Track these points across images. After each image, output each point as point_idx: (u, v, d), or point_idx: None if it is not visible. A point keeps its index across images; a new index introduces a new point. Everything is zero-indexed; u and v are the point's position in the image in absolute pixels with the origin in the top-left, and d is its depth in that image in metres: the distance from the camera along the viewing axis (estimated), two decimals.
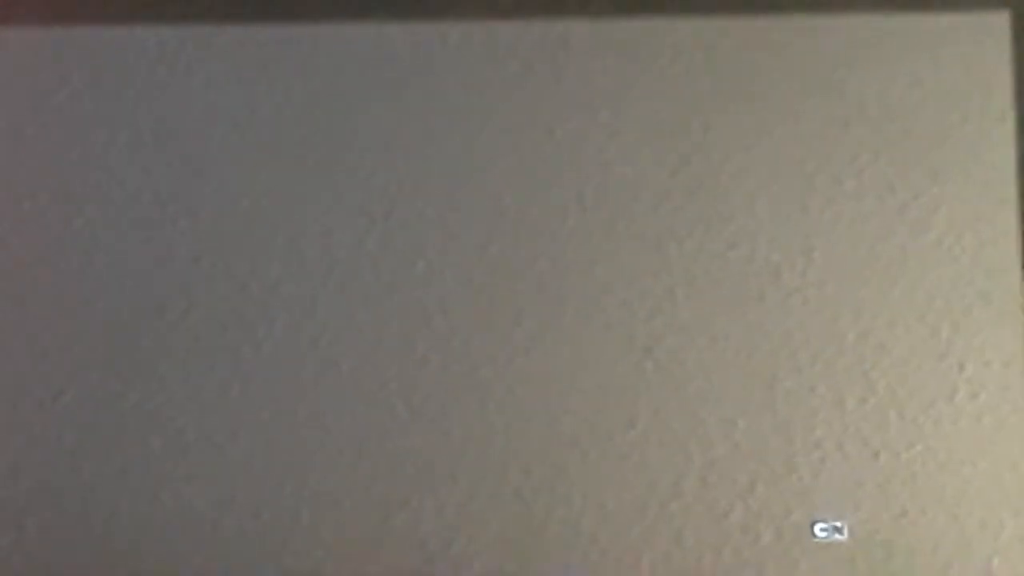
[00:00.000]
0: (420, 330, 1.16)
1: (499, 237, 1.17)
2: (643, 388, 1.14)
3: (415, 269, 1.16)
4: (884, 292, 1.15)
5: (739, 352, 1.14)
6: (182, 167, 1.19)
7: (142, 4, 1.22)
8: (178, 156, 1.19)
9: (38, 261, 1.18)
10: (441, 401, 1.15)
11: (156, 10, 1.22)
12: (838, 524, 1.12)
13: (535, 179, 1.17)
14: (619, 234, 1.16)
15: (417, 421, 1.14)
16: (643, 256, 1.16)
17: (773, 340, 1.14)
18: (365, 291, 1.16)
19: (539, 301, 1.16)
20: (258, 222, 1.18)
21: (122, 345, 1.17)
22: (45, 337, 1.17)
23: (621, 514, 1.13)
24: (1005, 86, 1.18)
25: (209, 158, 1.19)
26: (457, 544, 1.13)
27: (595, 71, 1.19)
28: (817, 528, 1.12)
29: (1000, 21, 1.19)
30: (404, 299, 1.16)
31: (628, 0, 1.20)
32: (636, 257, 1.16)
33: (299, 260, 1.17)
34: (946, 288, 1.15)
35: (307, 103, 1.19)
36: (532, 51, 1.20)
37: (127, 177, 1.19)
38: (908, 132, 1.17)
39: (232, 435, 1.15)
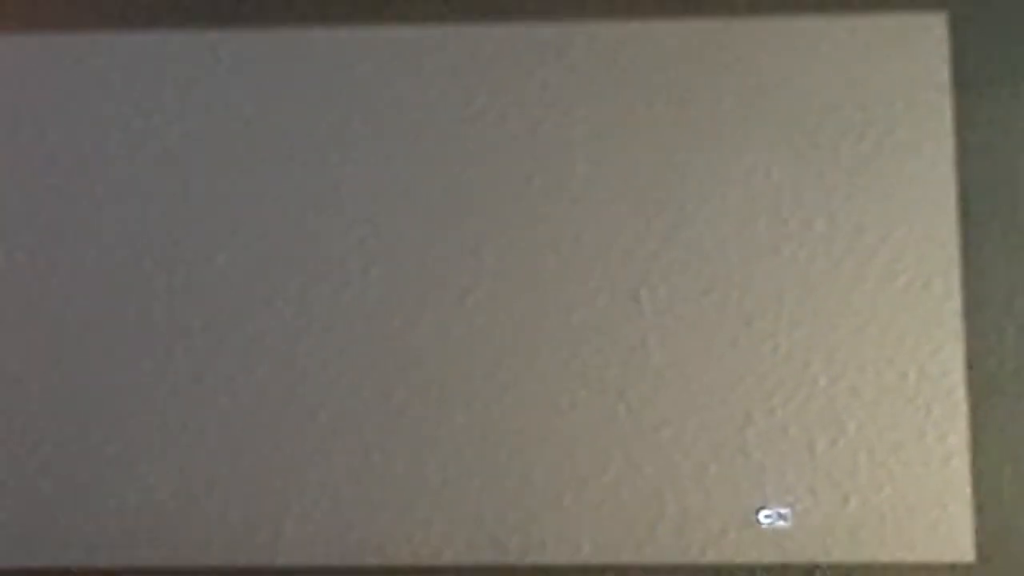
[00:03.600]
0: (395, 377, 1.16)
1: (475, 285, 1.17)
2: (616, 433, 1.15)
3: (392, 319, 1.17)
4: (854, 336, 1.16)
5: (711, 397, 1.15)
6: (183, 165, 1.20)
7: (135, 9, 1.22)
8: (179, 156, 1.20)
9: (25, 261, 1.19)
10: (415, 448, 1.15)
11: (149, 15, 1.22)
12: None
13: (511, 227, 1.18)
14: (593, 281, 1.17)
15: (391, 468, 1.15)
16: (616, 302, 1.17)
17: (745, 384, 1.15)
18: (342, 344, 1.17)
19: (514, 347, 1.16)
20: (241, 235, 1.19)
21: (122, 345, 1.18)
22: (26, 334, 1.18)
23: (594, 559, 1.14)
24: (943, 87, 1.18)
25: (209, 157, 1.20)
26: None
27: (575, 113, 1.19)
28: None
29: (938, 23, 1.19)
30: (380, 348, 1.17)
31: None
32: (609, 303, 1.17)
33: (276, 307, 1.18)
34: (916, 330, 1.16)
35: (303, 102, 1.20)
36: (500, 93, 1.20)
37: (113, 181, 1.20)
38: (861, 157, 1.18)
39: (210, 470, 1.16)
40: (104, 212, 1.20)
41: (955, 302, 1.16)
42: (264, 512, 1.16)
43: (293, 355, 1.17)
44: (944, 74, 1.18)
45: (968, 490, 1.14)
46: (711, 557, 1.14)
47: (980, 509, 1.14)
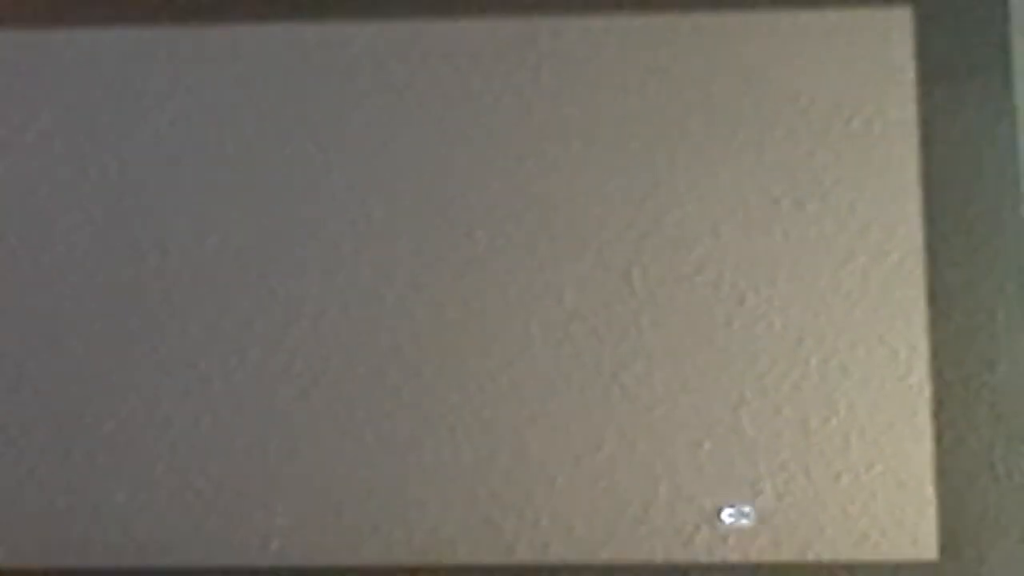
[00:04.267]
0: (390, 357, 1.17)
1: (468, 267, 1.18)
2: (610, 412, 1.16)
3: (385, 298, 1.17)
4: (846, 315, 1.16)
5: (705, 376, 1.16)
6: (168, 162, 1.20)
7: (121, 5, 1.22)
8: (162, 151, 1.20)
9: (17, 264, 1.19)
10: (410, 428, 1.16)
11: (137, 11, 1.22)
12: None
13: (503, 208, 1.18)
14: (586, 260, 1.17)
15: (386, 447, 1.16)
16: (610, 282, 1.17)
17: (739, 364, 1.16)
18: (335, 326, 1.17)
19: (508, 327, 1.17)
20: (232, 221, 1.19)
21: (109, 342, 1.18)
22: (19, 338, 1.18)
23: (589, 538, 1.14)
24: (907, 81, 1.19)
25: (194, 153, 1.20)
26: (425, 568, 1.15)
27: (565, 97, 1.20)
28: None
29: (903, 16, 1.20)
30: (374, 328, 1.17)
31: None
32: (603, 283, 1.17)
33: (270, 294, 1.18)
34: (907, 309, 1.16)
35: (290, 97, 1.20)
36: (495, 87, 1.20)
37: (110, 173, 1.20)
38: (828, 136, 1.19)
39: (202, 466, 1.16)
40: (91, 211, 1.20)
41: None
42: (256, 503, 1.16)
43: (284, 338, 1.17)
44: (908, 66, 1.19)
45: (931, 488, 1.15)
46: (704, 536, 1.14)
47: (943, 505, 1.15)
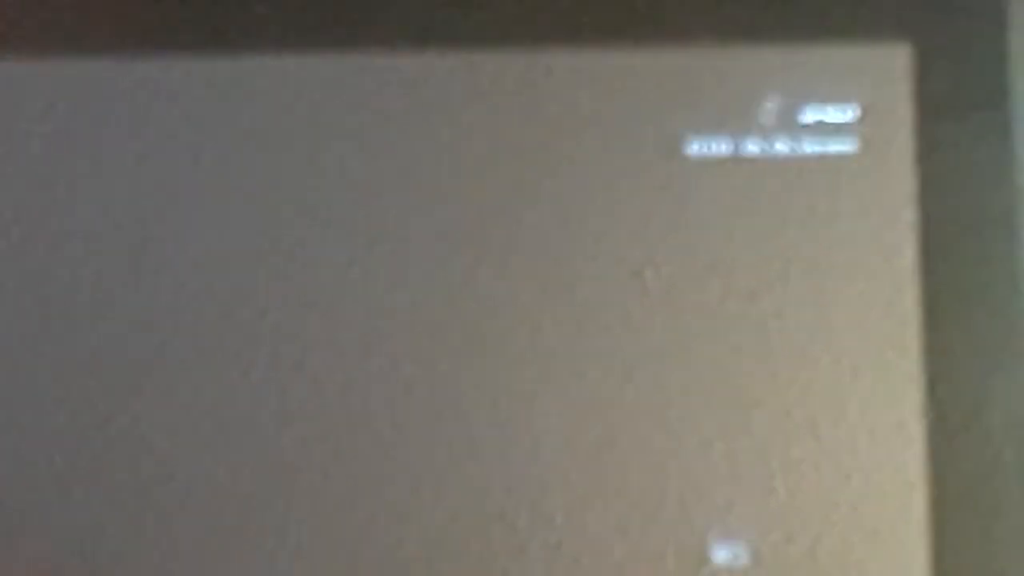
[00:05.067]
0: (404, 354, 1.17)
1: (481, 260, 1.18)
2: (621, 410, 1.16)
3: (398, 296, 1.18)
4: (857, 313, 1.17)
5: (716, 376, 1.16)
6: (167, 190, 1.20)
7: (119, 36, 1.22)
8: (164, 179, 1.20)
9: (22, 280, 1.19)
10: (424, 423, 1.16)
11: (135, 42, 1.22)
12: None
13: (515, 204, 1.19)
14: (599, 260, 1.18)
15: (400, 441, 1.16)
16: (622, 281, 1.18)
17: (751, 364, 1.16)
18: (349, 315, 1.18)
19: (521, 325, 1.17)
20: (242, 244, 1.19)
21: (111, 359, 1.17)
22: (29, 354, 1.18)
23: (602, 535, 1.15)
24: (906, 118, 1.19)
25: (194, 180, 1.20)
26: (438, 563, 1.15)
27: (575, 99, 1.20)
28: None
29: (902, 55, 1.20)
30: (388, 325, 1.17)
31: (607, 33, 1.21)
32: (615, 282, 1.18)
33: (283, 286, 1.18)
34: (921, 311, 1.17)
35: (285, 131, 1.20)
36: (511, 78, 1.21)
37: (114, 197, 1.19)
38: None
39: (215, 457, 1.16)
40: (91, 240, 1.20)
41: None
42: (268, 495, 1.16)
43: (299, 330, 1.17)
44: (907, 104, 1.20)
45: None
46: (715, 532, 1.14)
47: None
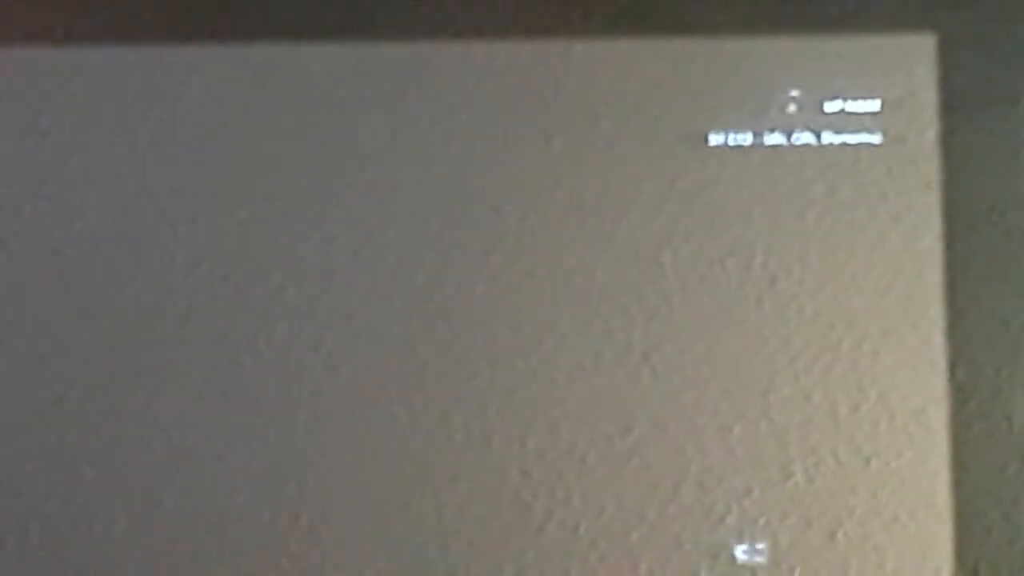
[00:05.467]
0: (421, 336, 1.17)
1: (499, 244, 1.18)
2: (641, 394, 1.16)
3: (416, 276, 1.18)
4: (878, 298, 1.16)
5: (735, 358, 1.16)
6: (181, 173, 1.20)
7: (133, 25, 1.22)
8: (177, 162, 1.20)
9: (37, 267, 1.19)
10: (441, 406, 1.16)
11: (150, 30, 1.22)
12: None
13: (535, 187, 1.18)
14: (618, 242, 1.17)
15: (418, 425, 1.16)
16: (641, 264, 1.17)
17: (769, 348, 1.16)
18: (367, 297, 1.17)
19: (539, 308, 1.17)
20: (258, 228, 1.19)
21: (121, 351, 1.17)
22: (44, 343, 1.18)
23: (619, 518, 1.14)
24: (930, 109, 1.19)
25: (208, 164, 1.20)
26: (457, 546, 1.15)
27: (594, 83, 1.20)
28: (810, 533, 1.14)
29: (926, 46, 1.20)
30: (405, 306, 1.17)
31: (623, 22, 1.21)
32: (634, 265, 1.17)
33: (300, 267, 1.18)
34: (943, 296, 1.16)
35: (305, 112, 1.20)
36: (534, 65, 1.20)
37: (126, 184, 1.19)
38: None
39: (232, 439, 1.16)
40: (96, 224, 1.20)
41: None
42: (285, 477, 1.16)
43: (316, 312, 1.17)
44: (931, 94, 1.19)
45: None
46: (735, 516, 1.14)
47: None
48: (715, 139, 1.18)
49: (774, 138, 1.18)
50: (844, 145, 1.18)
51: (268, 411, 1.16)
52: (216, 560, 1.15)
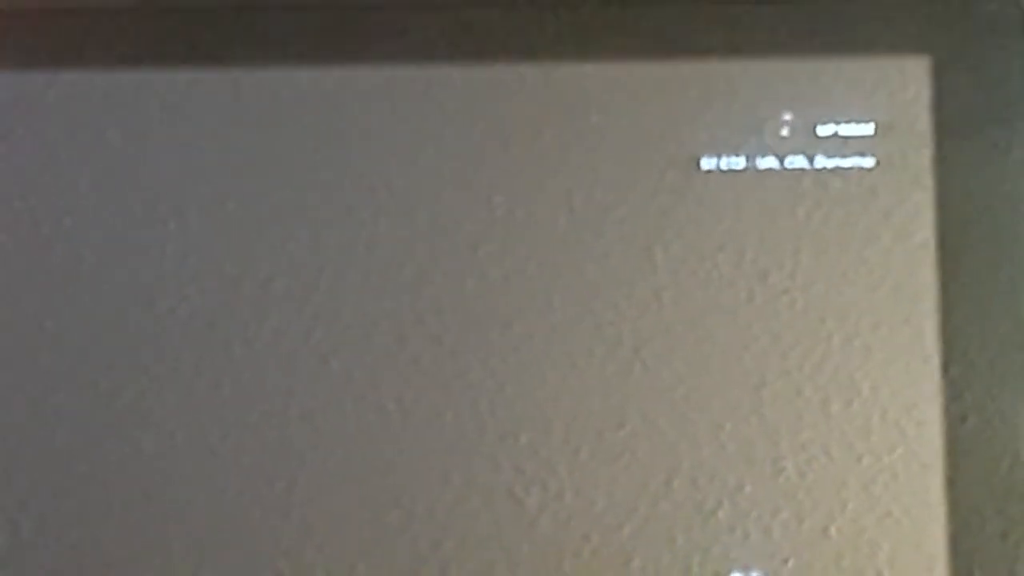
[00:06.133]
0: (411, 330, 1.16)
1: (488, 238, 1.18)
2: (632, 389, 1.15)
3: (405, 270, 1.17)
4: (870, 293, 1.16)
5: (727, 353, 1.16)
6: (171, 169, 1.19)
7: (125, 47, 1.22)
8: (166, 159, 1.19)
9: (28, 261, 1.18)
10: (432, 400, 1.15)
11: (144, 53, 1.22)
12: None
13: (524, 182, 1.18)
14: (607, 236, 1.17)
15: (408, 420, 1.15)
16: (631, 258, 1.17)
17: (761, 342, 1.16)
18: (356, 292, 1.17)
19: (529, 302, 1.17)
20: (248, 222, 1.18)
21: (108, 343, 1.17)
22: (34, 336, 1.17)
23: (611, 513, 1.14)
24: (924, 132, 1.19)
25: (198, 160, 1.19)
26: (447, 542, 1.14)
27: (585, 107, 1.20)
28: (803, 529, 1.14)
29: (920, 66, 1.20)
30: (395, 300, 1.17)
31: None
32: (624, 259, 1.17)
33: (289, 261, 1.18)
34: (932, 291, 1.16)
35: (299, 117, 1.20)
36: (524, 89, 1.21)
37: (117, 178, 1.19)
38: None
39: (223, 433, 1.16)
40: (89, 221, 1.20)
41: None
42: (275, 473, 1.15)
43: (304, 304, 1.17)
44: (925, 115, 1.19)
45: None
46: (726, 511, 1.13)
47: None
48: (707, 163, 1.19)
49: (767, 162, 1.19)
50: (838, 168, 1.18)
51: (257, 404, 1.16)
52: (204, 551, 1.15)
